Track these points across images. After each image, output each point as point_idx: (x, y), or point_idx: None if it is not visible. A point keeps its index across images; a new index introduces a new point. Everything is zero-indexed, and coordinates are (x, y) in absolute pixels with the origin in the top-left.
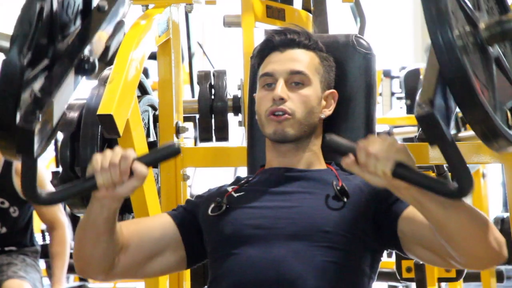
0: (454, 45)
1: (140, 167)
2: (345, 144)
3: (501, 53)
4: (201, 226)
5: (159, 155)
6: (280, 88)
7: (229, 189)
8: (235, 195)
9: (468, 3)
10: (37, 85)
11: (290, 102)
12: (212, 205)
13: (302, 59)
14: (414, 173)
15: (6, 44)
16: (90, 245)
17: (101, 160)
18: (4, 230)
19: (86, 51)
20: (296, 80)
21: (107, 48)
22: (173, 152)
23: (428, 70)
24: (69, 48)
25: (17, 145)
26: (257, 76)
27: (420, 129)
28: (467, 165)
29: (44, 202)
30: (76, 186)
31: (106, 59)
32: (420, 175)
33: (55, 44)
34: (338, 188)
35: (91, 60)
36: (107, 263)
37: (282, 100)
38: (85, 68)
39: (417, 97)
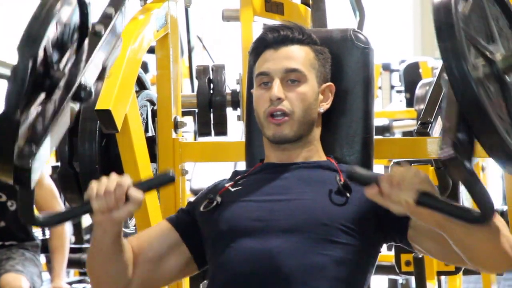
0: (470, 76)
1: (135, 193)
2: (368, 175)
3: None
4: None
5: (154, 182)
6: (277, 88)
7: (226, 184)
8: (232, 189)
9: (481, 41)
10: (34, 117)
11: (288, 101)
12: (205, 202)
13: (296, 56)
14: (437, 201)
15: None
16: (102, 270)
17: (96, 187)
18: (2, 224)
19: (82, 78)
20: (292, 78)
21: (103, 69)
22: (168, 180)
23: (447, 108)
24: (66, 77)
25: (15, 179)
26: (253, 73)
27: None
28: (488, 192)
29: (41, 225)
30: (72, 210)
31: (103, 79)
32: (443, 202)
33: (52, 72)
34: (341, 183)
35: (87, 88)
36: (123, 282)
37: (279, 100)
38: (81, 96)
39: (440, 138)
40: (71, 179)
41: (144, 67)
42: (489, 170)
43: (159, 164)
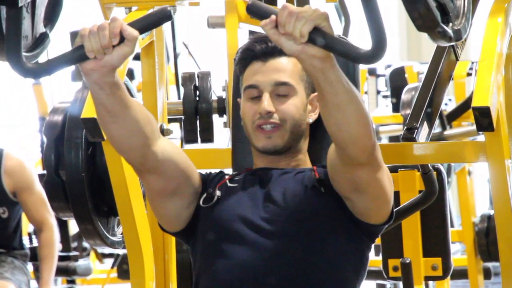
0: None
1: (130, 29)
2: (268, 7)
3: None
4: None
5: (151, 20)
6: (267, 102)
7: (226, 176)
8: (229, 184)
9: None
10: None
11: (277, 114)
12: (204, 195)
13: (285, 68)
14: (330, 37)
15: None
16: (113, 127)
17: (89, 27)
18: None
19: None
20: (282, 93)
21: None
22: (165, 16)
23: None
24: None
25: None
26: (240, 82)
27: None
28: (383, 25)
29: (29, 73)
30: (64, 56)
31: None
32: (334, 39)
33: None
34: (316, 178)
35: None
36: (138, 140)
37: (269, 113)
38: None
39: None
40: (58, 187)
41: (130, 74)
42: (475, 174)
43: None
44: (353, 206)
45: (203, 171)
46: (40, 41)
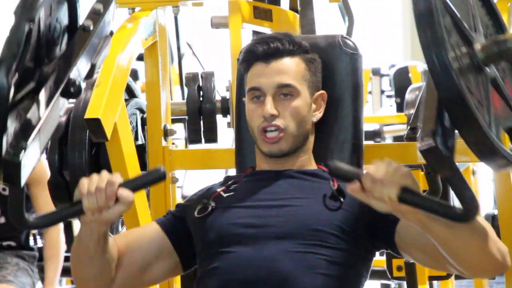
0: (450, 67)
1: (125, 193)
2: (350, 171)
3: (497, 74)
4: (190, 229)
5: (145, 180)
6: (270, 105)
7: (218, 189)
8: (224, 195)
9: (465, 24)
10: (24, 109)
11: (281, 117)
12: (199, 207)
13: (288, 70)
14: (420, 197)
15: None
16: (86, 267)
17: (87, 184)
18: (2, 220)
19: (72, 73)
20: (285, 92)
21: (92, 67)
22: (159, 177)
23: (427, 97)
24: (55, 71)
25: (4, 175)
26: (244, 82)
27: (426, 161)
28: (471, 188)
29: (31, 227)
30: (63, 210)
31: (92, 77)
32: (425, 199)
33: (42, 67)
34: (335, 188)
35: (77, 83)
36: (105, 280)
37: (273, 116)
38: (71, 92)
39: (420, 129)
40: (61, 188)
41: (134, 74)
42: (479, 174)
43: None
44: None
45: (206, 171)
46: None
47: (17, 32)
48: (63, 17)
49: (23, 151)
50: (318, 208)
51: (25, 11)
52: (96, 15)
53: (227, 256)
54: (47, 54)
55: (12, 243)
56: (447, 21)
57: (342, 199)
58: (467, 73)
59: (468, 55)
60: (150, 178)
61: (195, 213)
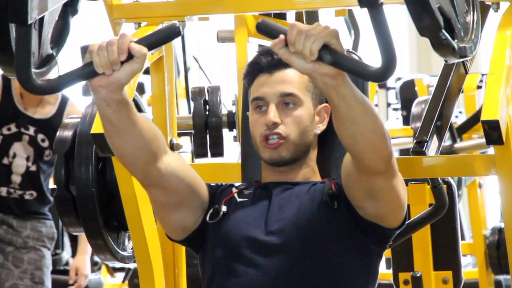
0: None
1: (138, 46)
2: (277, 26)
3: None
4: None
5: (159, 36)
6: (273, 113)
7: (234, 190)
8: (238, 199)
9: None
10: None
11: (283, 125)
12: (211, 211)
13: (291, 80)
14: (340, 55)
15: None
16: (118, 142)
17: (99, 43)
18: (34, 168)
19: None
20: (288, 101)
21: None
22: (174, 33)
23: None
24: None
25: (10, 13)
26: (249, 95)
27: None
28: (395, 47)
29: (39, 90)
30: (73, 72)
31: None
32: (345, 57)
33: None
34: (330, 192)
35: None
36: (145, 155)
37: (275, 124)
38: None
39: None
40: (68, 202)
41: (140, 88)
42: (486, 187)
43: None
44: (366, 214)
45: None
46: (46, 61)
47: None
48: None
49: None
50: (317, 218)
51: None
52: None
53: (232, 274)
54: None
55: (34, 192)
56: None
57: (336, 205)
58: None
59: None
60: (165, 35)
61: (207, 217)
